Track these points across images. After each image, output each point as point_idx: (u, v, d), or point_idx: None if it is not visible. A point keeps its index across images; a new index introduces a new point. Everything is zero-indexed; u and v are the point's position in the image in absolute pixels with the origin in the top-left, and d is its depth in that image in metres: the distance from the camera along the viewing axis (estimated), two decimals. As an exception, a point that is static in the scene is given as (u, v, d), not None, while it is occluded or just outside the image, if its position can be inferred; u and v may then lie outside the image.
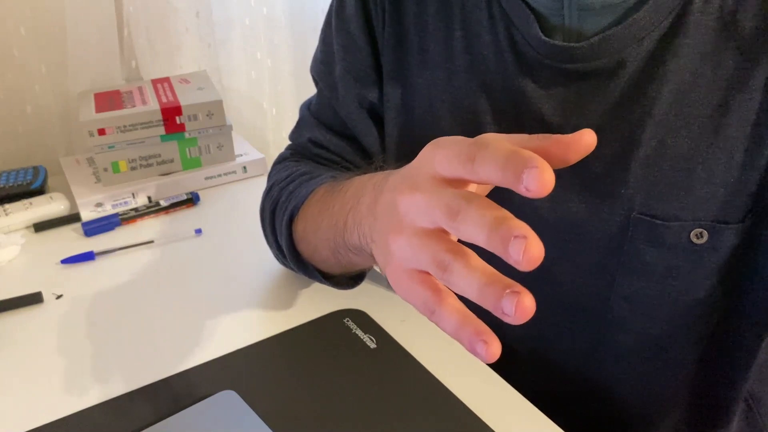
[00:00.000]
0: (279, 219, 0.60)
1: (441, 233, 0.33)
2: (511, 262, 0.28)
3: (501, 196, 0.57)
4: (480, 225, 0.29)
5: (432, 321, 0.33)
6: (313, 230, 0.55)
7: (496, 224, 0.29)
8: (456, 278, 0.31)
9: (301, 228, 0.58)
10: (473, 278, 0.30)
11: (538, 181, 0.28)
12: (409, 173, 0.37)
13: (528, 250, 0.28)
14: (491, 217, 0.29)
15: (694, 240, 0.51)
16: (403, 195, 0.35)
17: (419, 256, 0.33)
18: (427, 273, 0.34)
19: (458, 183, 0.34)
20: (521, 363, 0.63)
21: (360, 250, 0.47)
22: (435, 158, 0.34)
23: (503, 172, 0.29)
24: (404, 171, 0.39)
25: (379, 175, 0.45)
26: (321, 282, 0.60)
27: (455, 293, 0.32)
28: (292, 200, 0.59)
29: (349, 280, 0.61)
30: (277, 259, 0.67)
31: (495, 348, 0.31)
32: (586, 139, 0.32)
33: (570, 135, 0.32)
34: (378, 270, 0.70)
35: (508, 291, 0.29)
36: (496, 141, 0.31)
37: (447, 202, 0.31)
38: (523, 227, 0.28)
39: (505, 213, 0.29)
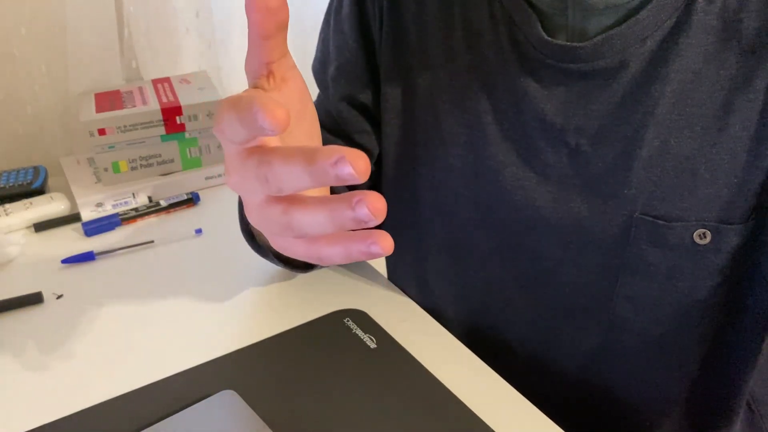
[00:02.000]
0: (239, 203, 0.62)
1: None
2: (339, 182, 0.27)
3: (497, 195, 0.57)
4: (294, 174, 0.29)
5: (324, 265, 0.33)
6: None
7: (307, 160, 0.28)
8: (306, 229, 0.30)
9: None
10: (314, 217, 0.30)
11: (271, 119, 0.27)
12: None
13: (354, 162, 0.27)
14: (297, 159, 0.28)
15: (698, 240, 0.51)
16: (226, 181, 0.34)
17: (272, 228, 0.32)
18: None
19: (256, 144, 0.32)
20: (522, 363, 0.63)
21: None
22: (221, 130, 0.32)
23: (241, 125, 0.29)
24: None
25: None
26: (277, 264, 0.61)
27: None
28: None
29: (303, 265, 0.62)
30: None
31: (387, 239, 0.30)
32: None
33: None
34: (375, 267, 0.70)
35: (354, 200, 0.28)
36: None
37: (254, 174, 0.30)
38: (334, 149, 0.27)
39: (311, 147, 0.29)
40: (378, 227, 0.72)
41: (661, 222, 0.51)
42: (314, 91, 0.71)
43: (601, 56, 0.49)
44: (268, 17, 0.33)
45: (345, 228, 0.29)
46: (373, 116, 0.65)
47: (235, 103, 0.29)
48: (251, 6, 0.32)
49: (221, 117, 0.31)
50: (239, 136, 0.30)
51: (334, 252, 0.32)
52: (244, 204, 0.35)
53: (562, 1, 0.49)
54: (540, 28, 0.51)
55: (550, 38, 0.50)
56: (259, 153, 0.31)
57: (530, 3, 0.51)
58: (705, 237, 0.50)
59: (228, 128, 0.30)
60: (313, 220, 0.30)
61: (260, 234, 0.59)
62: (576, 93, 0.51)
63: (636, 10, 0.48)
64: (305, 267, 0.63)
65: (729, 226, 0.50)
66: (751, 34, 0.46)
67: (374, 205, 0.28)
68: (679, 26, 0.47)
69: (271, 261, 0.62)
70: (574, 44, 0.50)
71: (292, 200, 0.31)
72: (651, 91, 0.49)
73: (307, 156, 0.28)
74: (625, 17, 0.48)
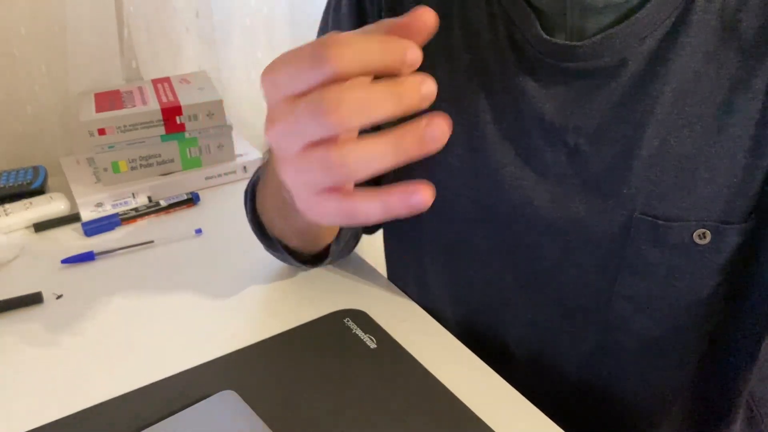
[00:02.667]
0: (248, 196, 0.62)
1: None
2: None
3: (496, 194, 0.57)
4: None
5: (358, 223, 0.33)
6: (265, 201, 0.57)
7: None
8: (362, 164, 0.30)
9: (259, 202, 0.59)
10: (377, 148, 0.30)
11: (418, 55, 0.28)
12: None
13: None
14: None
15: (697, 240, 0.50)
16: (267, 133, 0.33)
17: (310, 174, 0.32)
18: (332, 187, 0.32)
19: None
20: (522, 362, 0.63)
21: (294, 207, 0.47)
22: (275, 81, 0.32)
23: (382, 55, 0.28)
24: None
25: None
26: (285, 257, 0.61)
27: None
28: (254, 177, 0.61)
29: (313, 258, 0.62)
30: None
31: (427, 189, 0.30)
32: (424, 16, 0.31)
33: (407, 15, 0.31)
34: (375, 267, 0.70)
35: (422, 122, 0.29)
36: (338, 36, 0.29)
37: (310, 106, 0.29)
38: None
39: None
40: (377, 225, 0.72)
41: (660, 222, 0.51)
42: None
43: (600, 55, 0.49)
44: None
45: (408, 153, 0.29)
46: None
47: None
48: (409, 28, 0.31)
49: (290, 64, 0.30)
50: (314, 80, 0.29)
51: (371, 207, 0.31)
52: (278, 157, 0.34)
53: (560, 1, 0.49)
54: (539, 27, 0.51)
55: (548, 37, 0.50)
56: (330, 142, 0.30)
57: (529, 2, 0.51)
58: (705, 237, 0.50)
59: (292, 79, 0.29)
60: (372, 149, 0.29)
61: (272, 226, 0.59)
62: (575, 92, 0.51)
63: (635, 9, 0.48)
64: (313, 261, 0.63)
65: (729, 226, 0.50)
66: (750, 34, 0.46)
67: (445, 121, 0.28)
68: (679, 25, 0.47)
69: (280, 255, 0.62)
70: (573, 43, 0.50)
71: (338, 148, 0.30)
72: (650, 91, 0.49)
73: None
74: (624, 16, 0.48)
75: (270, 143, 0.34)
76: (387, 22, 0.32)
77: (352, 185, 0.34)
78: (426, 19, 0.31)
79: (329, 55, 0.29)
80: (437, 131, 0.29)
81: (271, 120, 0.32)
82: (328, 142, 0.31)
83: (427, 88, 0.29)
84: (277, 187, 0.49)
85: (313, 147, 0.31)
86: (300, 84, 0.31)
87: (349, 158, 0.30)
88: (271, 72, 0.32)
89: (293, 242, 0.61)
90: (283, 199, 0.50)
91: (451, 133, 0.29)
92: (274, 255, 0.66)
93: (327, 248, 0.63)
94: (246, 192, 0.64)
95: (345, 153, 0.30)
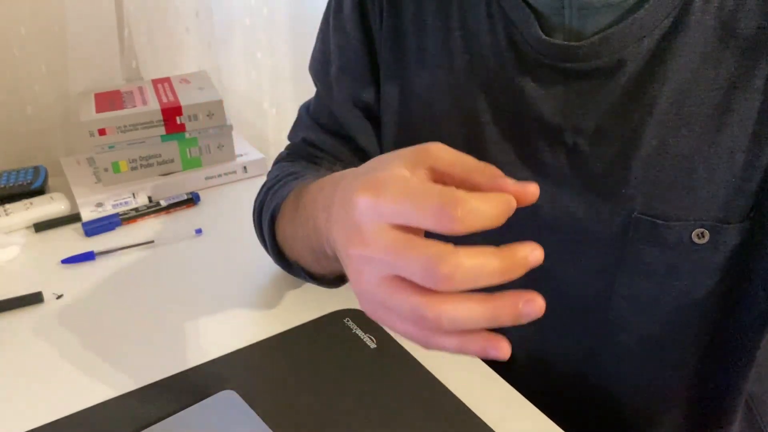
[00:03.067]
0: (264, 221, 0.60)
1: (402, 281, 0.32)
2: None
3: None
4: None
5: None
6: (292, 236, 0.55)
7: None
8: (451, 325, 0.30)
9: (281, 231, 0.58)
10: (471, 314, 0.30)
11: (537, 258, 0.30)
12: (349, 220, 0.35)
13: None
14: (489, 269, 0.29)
15: (696, 240, 0.51)
16: (355, 249, 0.33)
17: (392, 306, 0.32)
18: None
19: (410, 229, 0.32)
20: (521, 363, 0.63)
21: (335, 260, 0.45)
22: (384, 208, 0.32)
23: (498, 219, 0.30)
24: (341, 213, 0.37)
25: (327, 190, 0.44)
26: (308, 281, 0.60)
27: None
28: (274, 201, 0.59)
29: (336, 279, 0.61)
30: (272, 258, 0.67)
31: (506, 346, 0.31)
32: (531, 191, 0.33)
33: (518, 185, 0.33)
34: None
35: (523, 299, 0.30)
36: (466, 197, 0.30)
37: (424, 260, 0.30)
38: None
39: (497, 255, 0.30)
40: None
41: (659, 221, 0.51)
42: (311, 90, 0.71)
43: (598, 56, 0.49)
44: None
45: (500, 324, 0.30)
46: (375, 116, 0.65)
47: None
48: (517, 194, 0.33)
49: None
50: (431, 228, 0.30)
51: (447, 343, 0.32)
52: (349, 274, 0.34)
53: (558, 1, 0.49)
54: (537, 27, 0.51)
55: (547, 38, 0.50)
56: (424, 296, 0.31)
57: (527, 3, 0.51)
58: (703, 236, 0.50)
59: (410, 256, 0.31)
60: (468, 316, 0.30)
61: (296, 258, 0.57)
62: (574, 92, 0.51)
63: (633, 10, 0.48)
64: (337, 282, 0.61)
65: (727, 226, 0.50)
66: (748, 34, 0.46)
67: (540, 304, 0.29)
68: (677, 26, 0.47)
69: (300, 278, 0.60)
70: (572, 44, 0.50)
71: (437, 294, 0.31)
72: (649, 91, 0.49)
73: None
74: (622, 17, 0.48)
75: (350, 259, 0.34)
76: (497, 177, 0.33)
77: None
78: (532, 192, 0.33)
79: (456, 217, 0.30)
80: (533, 311, 0.30)
81: (362, 241, 0.33)
82: (420, 287, 0.31)
83: (535, 258, 0.30)
84: (317, 238, 0.47)
85: (401, 282, 0.32)
86: (410, 223, 0.31)
87: (443, 319, 0.30)
88: (375, 194, 0.32)
89: (319, 273, 0.58)
90: (322, 250, 0.48)
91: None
92: (290, 274, 0.64)
93: None
94: (259, 218, 0.61)
95: (440, 313, 0.30)
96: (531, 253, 0.31)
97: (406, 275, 0.31)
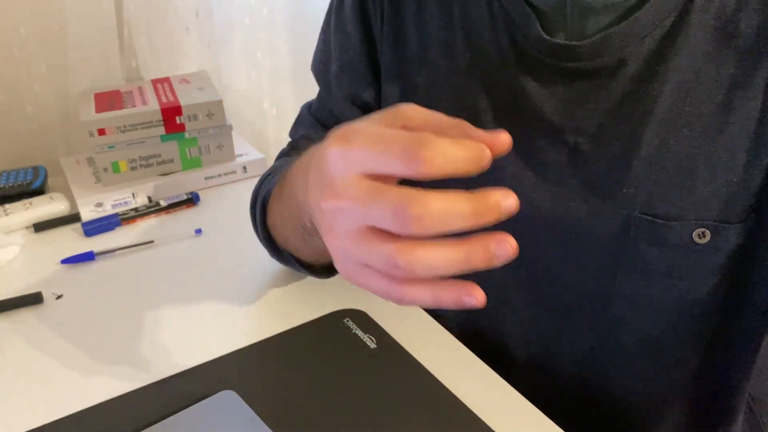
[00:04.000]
0: (257, 208, 0.61)
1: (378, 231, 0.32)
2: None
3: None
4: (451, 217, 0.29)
5: (401, 305, 0.33)
6: (280, 220, 0.56)
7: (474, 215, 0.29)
8: (425, 269, 0.30)
9: (271, 216, 0.59)
10: (444, 256, 0.30)
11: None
12: (322, 175, 0.35)
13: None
14: (462, 210, 0.29)
15: (697, 240, 0.51)
16: (326, 202, 0.33)
17: (366, 259, 0.32)
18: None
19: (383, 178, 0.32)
20: (522, 362, 0.63)
21: (317, 239, 0.46)
22: (349, 155, 0.32)
23: (468, 164, 0.29)
24: (316, 172, 0.37)
25: (305, 160, 0.45)
26: (298, 270, 0.61)
27: None
28: (266, 189, 0.60)
29: (324, 270, 0.61)
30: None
31: (480, 293, 0.31)
32: (502, 138, 0.32)
33: (488, 133, 0.32)
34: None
35: (492, 244, 0.29)
36: (433, 139, 0.30)
37: (393, 204, 0.30)
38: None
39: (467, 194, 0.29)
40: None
41: (660, 221, 0.51)
42: (311, 90, 0.71)
43: (599, 55, 0.49)
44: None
45: (474, 267, 0.29)
46: None
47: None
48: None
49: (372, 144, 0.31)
50: (397, 172, 0.30)
51: (421, 295, 0.31)
52: (325, 228, 0.34)
53: (560, 0, 0.49)
54: (539, 27, 0.51)
55: (548, 37, 0.50)
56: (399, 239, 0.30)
57: (529, 2, 0.51)
58: (704, 236, 0.50)
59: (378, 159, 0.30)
60: (441, 258, 0.29)
61: (285, 242, 0.58)
62: (575, 92, 0.51)
63: (634, 9, 0.48)
64: (327, 272, 0.62)
65: (728, 225, 0.50)
66: (748, 34, 0.46)
67: (512, 244, 0.29)
68: (678, 25, 0.47)
69: (291, 266, 0.61)
70: (573, 43, 0.50)
71: (406, 246, 0.30)
72: (650, 90, 0.49)
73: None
74: (623, 16, 0.48)
75: (322, 213, 0.34)
76: (468, 129, 0.33)
77: None
78: (503, 139, 0.32)
79: (424, 158, 0.29)
80: (505, 253, 0.29)
81: (333, 193, 0.32)
82: (392, 236, 0.31)
83: (509, 205, 0.30)
84: (298, 212, 0.49)
85: (373, 233, 0.31)
86: (380, 169, 0.31)
87: (416, 264, 0.30)
88: (345, 144, 0.32)
89: (309, 259, 0.60)
90: (305, 229, 0.49)
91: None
92: (282, 264, 0.65)
93: None
94: (253, 205, 0.62)
95: (413, 259, 0.30)
96: (504, 200, 0.30)
97: (377, 222, 0.31)
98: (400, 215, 0.29)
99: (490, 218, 0.29)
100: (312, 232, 0.48)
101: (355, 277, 0.34)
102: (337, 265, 0.35)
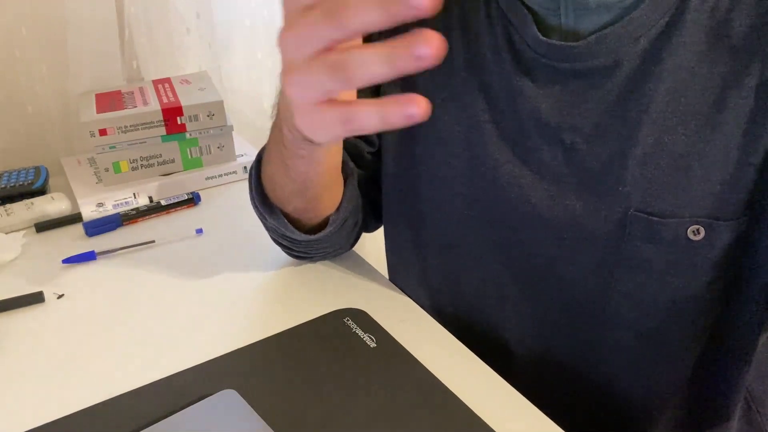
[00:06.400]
0: (252, 168, 0.63)
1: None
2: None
3: (493, 193, 0.57)
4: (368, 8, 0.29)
5: (356, 131, 0.34)
6: (270, 168, 0.58)
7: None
8: (360, 67, 0.31)
9: (264, 171, 0.60)
10: (374, 54, 0.30)
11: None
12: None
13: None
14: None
15: (691, 236, 0.51)
16: (280, 41, 0.34)
17: (315, 76, 0.33)
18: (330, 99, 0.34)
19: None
20: (520, 361, 0.63)
21: (294, 141, 0.49)
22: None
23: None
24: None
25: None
26: (285, 226, 0.61)
27: None
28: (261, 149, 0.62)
29: (313, 228, 0.63)
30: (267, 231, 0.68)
31: (423, 100, 0.31)
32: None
33: None
34: (375, 267, 0.70)
35: (414, 40, 0.29)
36: None
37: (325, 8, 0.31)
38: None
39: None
40: (377, 222, 0.73)
41: (655, 218, 0.51)
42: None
43: (595, 55, 0.50)
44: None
45: (404, 66, 0.30)
46: None
47: None
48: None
49: None
50: (327, 36, 0.31)
51: (369, 115, 0.32)
52: (285, 69, 0.36)
53: (554, 1, 0.49)
54: (535, 28, 0.51)
55: (544, 38, 0.51)
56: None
57: (525, 4, 0.52)
58: (699, 233, 0.51)
59: None
60: (371, 55, 0.30)
61: (273, 187, 0.60)
62: (571, 92, 0.52)
63: (629, 9, 0.48)
64: (312, 231, 0.63)
65: (722, 222, 0.50)
66: (742, 33, 0.46)
67: (438, 41, 0.28)
68: (673, 25, 0.48)
69: (280, 223, 0.61)
70: (569, 44, 0.50)
71: (345, 49, 0.32)
72: (645, 90, 0.49)
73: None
74: (618, 16, 0.49)
75: (280, 50, 0.35)
76: None
77: (354, 96, 0.35)
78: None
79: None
80: (425, 51, 0.29)
81: (285, 28, 0.34)
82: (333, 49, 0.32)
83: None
84: (280, 133, 0.51)
85: (319, 54, 0.33)
86: (314, 40, 0.32)
87: (348, 61, 0.31)
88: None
89: (294, 203, 0.60)
90: (284, 144, 0.51)
91: (445, 53, 0.29)
92: (274, 233, 0.65)
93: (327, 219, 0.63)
94: (251, 168, 0.64)
95: (345, 56, 0.31)
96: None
97: (320, 35, 0.32)
98: (330, 16, 0.31)
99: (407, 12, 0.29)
100: (289, 144, 0.50)
101: (313, 120, 0.35)
102: (298, 118, 0.37)
